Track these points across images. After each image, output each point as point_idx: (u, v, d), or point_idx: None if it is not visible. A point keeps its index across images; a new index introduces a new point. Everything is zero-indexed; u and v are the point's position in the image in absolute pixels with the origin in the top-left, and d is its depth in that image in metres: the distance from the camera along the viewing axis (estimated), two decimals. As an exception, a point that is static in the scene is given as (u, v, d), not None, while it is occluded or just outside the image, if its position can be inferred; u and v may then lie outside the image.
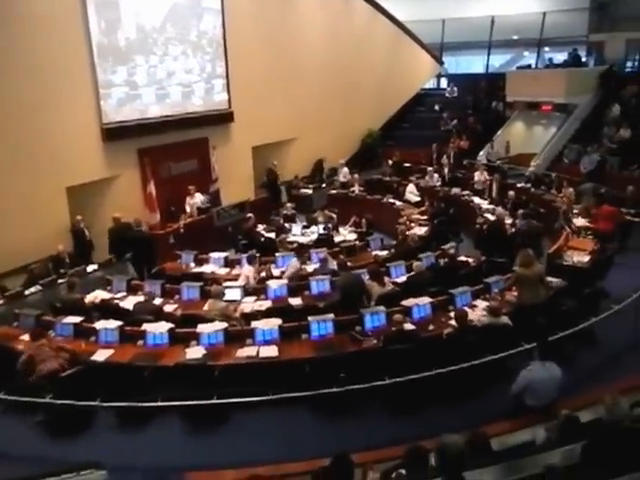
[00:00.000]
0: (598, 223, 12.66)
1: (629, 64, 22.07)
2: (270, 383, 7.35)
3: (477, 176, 17.41)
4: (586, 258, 10.93)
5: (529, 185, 16.61)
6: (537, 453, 5.29)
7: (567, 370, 6.92)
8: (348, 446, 5.57)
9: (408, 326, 8.36)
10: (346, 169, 19.21)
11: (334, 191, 18.17)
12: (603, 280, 10.60)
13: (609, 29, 22.45)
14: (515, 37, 26.26)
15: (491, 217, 13.67)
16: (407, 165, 20.06)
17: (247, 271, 11.20)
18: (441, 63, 27.39)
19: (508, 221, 13.08)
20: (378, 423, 7.39)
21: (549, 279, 9.66)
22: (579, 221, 13.04)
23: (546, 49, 25.70)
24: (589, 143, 17.58)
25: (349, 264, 10.95)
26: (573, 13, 23.87)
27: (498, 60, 28.02)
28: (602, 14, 22.86)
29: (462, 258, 11.20)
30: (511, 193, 14.89)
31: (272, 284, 10.33)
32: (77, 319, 8.96)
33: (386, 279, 10.17)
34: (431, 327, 8.60)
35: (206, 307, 9.39)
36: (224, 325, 8.55)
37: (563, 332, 8.12)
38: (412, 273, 10.34)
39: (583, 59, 22.21)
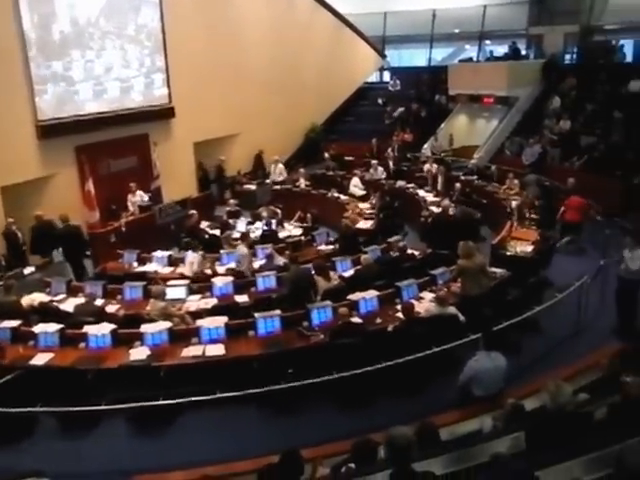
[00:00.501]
0: (565, 213, 12.87)
1: (567, 57, 22.50)
2: (217, 382, 7.26)
3: (427, 168, 17.54)
4: (529, 248, 11.09)
5: (474, 177, 16.79)
6: (484, 442, 5.32)
7: (512, 359, 7.02)
8: (298, 442, 5.56)
9: (355, 320, 8.33)
10: (281, 166, 18.89)
11: (278, 186, 18.00)
12: (547, 269, 10.83)
13: (548, 22, 22.87)
14: (457, 30, 26.52)
15: (436, 209, 13.78)
16: (350, 159, 20.09)
17: (191, 258, 11.12)
18: (383, 56, 27.52)
19: (451, 212, 13.18)
20: (327, 418, 7.40)
21: (493, 269, 9.79)
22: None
23: (487, 42, 26.04)
24: (531, 135, 17.85)
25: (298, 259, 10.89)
26: (513, 6, 24.27)
27: (440, 53, 28.31)
28: (541, 7, 23.28)
29: (408, 251, 11.24)
30: (457, 185, 15.04)
31: (217, 281, 10.18)
32: (14, 323, 8.63)
33: (332, 273, 10.15)
34: (378, 320, 8.60)
35: (148, 307, 9.20)
36: (168, 325, 8.39)
37: (508, 321, 8.25)
38: (360, 267, 10.31)
39: (523, 52, 22.60)
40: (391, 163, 18.84)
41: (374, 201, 15.05)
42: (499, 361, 6.50)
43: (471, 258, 8.96)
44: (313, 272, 9.74)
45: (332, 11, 23.04)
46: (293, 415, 7.43)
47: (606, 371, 6.15)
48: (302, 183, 17.83)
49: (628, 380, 5.09)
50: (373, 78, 28.11)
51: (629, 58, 21.05)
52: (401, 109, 22.57)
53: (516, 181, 14.89)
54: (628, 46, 21.26)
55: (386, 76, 27.92)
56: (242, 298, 9.78)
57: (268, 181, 18.55)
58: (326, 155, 20.11)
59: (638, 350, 6.80)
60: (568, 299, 9.17)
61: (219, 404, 7.05)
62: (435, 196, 15.53)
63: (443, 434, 5.75)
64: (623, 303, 9.22)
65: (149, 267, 11.76)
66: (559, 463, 4.16)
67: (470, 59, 24.89)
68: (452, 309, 8.37)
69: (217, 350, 7.91)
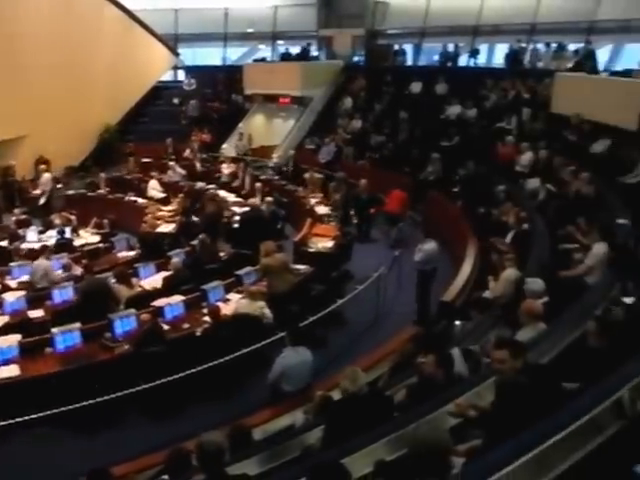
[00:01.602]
0: (386, 205, 13.58)
1: (356, 59, 23.51)
2: (14, 405, 6.77)
3: (225, 169, 17.56)
4: (330, 243, 11.51)
5: (277, 177, 17.18)
6: (297, 436, 5.44)
7: (320, 352, 7.26)
8: (109, 459, 5.33)
9: (161, 327, 8.15)
10: (47, 175, 17.16)
11: (72, 191, 16.97)
12: (347, 263, 11.33)
13: (336, 25, 23.77)
14: (250, 30, 26.74)
15: (239, 210, 13.87)
16: (148, 160, 19.54)
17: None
18: (177, 55, 27.02)
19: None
20: (139, 431, 7.20)
21: (297, 266, 10.04)
22: (323, 209, 13.71)
23: (280, 42, 26.52)
24: (326, 134, 18.55)
25: (96, 268, 10.41)
26: (303, 8, 24.87)
27: (236, 52, 28.37)
28: (329, 10, 24.14)
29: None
30: (258, 185, 15.20)
31: (8, 297, 9.41)
32: None
33: (134, 280, 9.81)
34: (186, 325, 8.50)
35: None
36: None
37: (314, 316, 8.52)
38: (170, 272, 10.02)
39: (315, 53, 23.34)
40: (198, 164, 18.73)
41: (175, 204, 14.79)
42: (305, 356, 6.69)
43: (273, 256, 9.12)
44: (114, 280, 9.36)
45: (120, 7, 22.11)
46: (103, 432, 7.07)
47: (402, 355, 6.53)
48: (102, 187, 17.00)
49: (422, 360, 5.45)
50: (167, 77, 27.49)
51: (410, 61, 22.44)
52: (193, 101, 22.44)
53: (317, 175, 15.37)
54: (409, 50, 22.65)
55: (181, 75, 27.46)
56: (37, 313, 9.13)
57: (60, 186, 17.39)
58: (129, 154, 19.44)
59: (429, 333, 7.36)
60: (368, 290, 9.69)
61: (19, 429, 6.54)
62: (237, 197, 15.60)
63: (257, 433, 5.82)
64: (419, 293, 9.90)
65: None
66: (364, 447, 4.32)
67: (264, 59, 25.23)
68: (261, 303, 8.49)
69: (11, 371, 7.34)
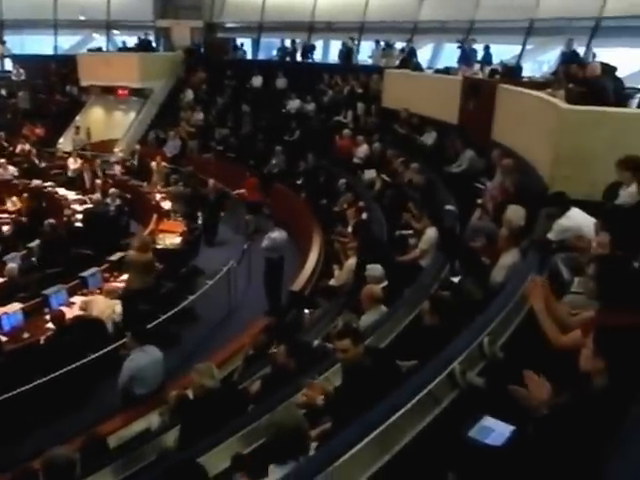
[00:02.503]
0: (247, 194, 13.74)
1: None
2: None
3: (71, 164, 16.93)
4: (178, 239, 11.47)
5: (121, 171, 16.81)
6: (154, 439, 5.43)
7: (173, 351, 7.23)
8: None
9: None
10: None
11: None
12: (196, 259, 11.34)
13: (174, 16, 23.34)
14: (82, 18, 25.52)
15: (80, 208, 13.42)
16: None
17: None
18: (2, 42, 25.28)
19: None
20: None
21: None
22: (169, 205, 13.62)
23: (116, 32, 25.54)
24: (170, 127, 18.33)
25: None
26: (138, -3, 24.23)
27: (69, 41, 26.97)
28: (165, 1, 23.63)
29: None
30: (98, 181, 14.75)
31: None
32: None
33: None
34: (26, 335, 8.13)
35: None
36: None
37: (165, 314, 8.48)
38: (5, 279, 9.52)
39: (154, 44, 22.78)
40: (37, 160, 17.87)
41: (9, 205, 14.00)
42: (155, 355, 6.51)
43: (143, 253, 8.93)
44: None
45: None
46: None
47: (255, 346, 6.70)
48: None
49: (275, 351, 5.64)
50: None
51: (249, 55, 22.45)
52: (21, 93, 21.34)
53: (163, 163, 15.32)
54: (248, 44, 22.64)
55: (8, 64, 25.72)
56: None
57: None
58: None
59: (280, 323, 7.59)
60: (219, 285, 9.78)
61: None
62: (78, 194, 15.06)
63: (112, 441, 5.72)
64: (268, 282, 10.13)
65: None
66: (220, 443, 4.41)
67: (100, 49, 24.21)
68: (116, 302, 8.48)
69: None
